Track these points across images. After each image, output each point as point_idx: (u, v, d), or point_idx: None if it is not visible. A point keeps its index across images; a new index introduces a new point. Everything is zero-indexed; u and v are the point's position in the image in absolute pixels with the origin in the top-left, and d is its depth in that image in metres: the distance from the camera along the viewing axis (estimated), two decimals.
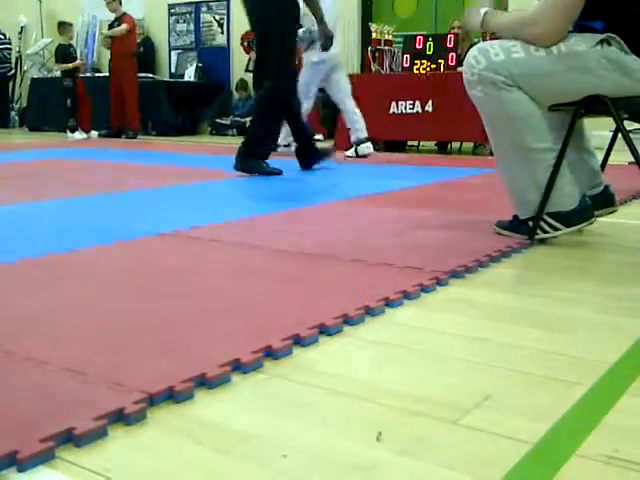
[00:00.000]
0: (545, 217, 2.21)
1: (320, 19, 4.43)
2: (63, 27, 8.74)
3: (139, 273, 1.86)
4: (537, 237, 2.23)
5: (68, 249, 2.11)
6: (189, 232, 2.40)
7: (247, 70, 8.95)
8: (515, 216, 2.32)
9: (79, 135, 8.56)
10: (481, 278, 1.83)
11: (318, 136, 8.15)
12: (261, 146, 4.29)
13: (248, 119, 9.09)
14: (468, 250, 2.09)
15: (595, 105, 2.13)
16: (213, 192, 3.60)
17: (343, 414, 1.05)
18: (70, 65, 8.56)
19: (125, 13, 8.61)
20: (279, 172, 4.29)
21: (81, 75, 9.00)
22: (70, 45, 8.82)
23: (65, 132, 8.67)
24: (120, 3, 8.60)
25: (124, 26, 8.44)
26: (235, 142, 7.84)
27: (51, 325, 1.41)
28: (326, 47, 4.58)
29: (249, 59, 8.93)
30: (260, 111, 4.36)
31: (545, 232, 2.23)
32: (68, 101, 8.55)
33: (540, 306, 1.59)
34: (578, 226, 2.21)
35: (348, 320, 1.45)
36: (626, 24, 2.12)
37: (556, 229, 2.22)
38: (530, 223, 2.25)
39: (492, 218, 2.47)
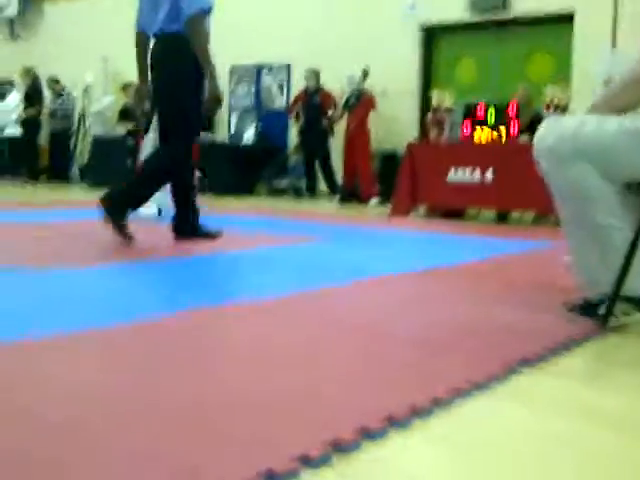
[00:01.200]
0: (619, 302, 2.12)
1: (209, 73, 3.89)
2: (127, 88, 9.09)
3: (194, 351, 1.85)
4: (610, 324, 2.14)
5: (130, 319, 2.12)
6: (252, 303, 2.39)
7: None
8: (585, 298, 2.23)
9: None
10: (555, 368, 1.75)
11: (374, 199, 8.19)
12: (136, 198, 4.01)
13: (303, 181, 9.24)
14: (537, 335, 2.02)
15: None
16: (277, 259, 3.60)
17: None
18: (130, 128, 8.84)
19: None
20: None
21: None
22: (132, 108, 9.13)
23: None
24: None
25: None
26: (291, 205, 7.99)
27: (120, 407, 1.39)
28: (211, 109, 4.10)
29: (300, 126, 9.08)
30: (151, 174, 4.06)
31: (618, 318, 2.14)
32: (129, 161, 8.83)
33: (624, 404, 1.50)
34: None
35: (417, 412, 1.39)
36: None
37: (629, 314, 2.13)
38: (601, 306, 2.16)
39: (559, 297, 2.39)
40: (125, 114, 8.87)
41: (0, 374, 1.58)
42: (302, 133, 8.99)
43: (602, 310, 2.15)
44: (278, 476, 1.10)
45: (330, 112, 8.75)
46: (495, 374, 1.62)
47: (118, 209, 3.81)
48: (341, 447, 1.21)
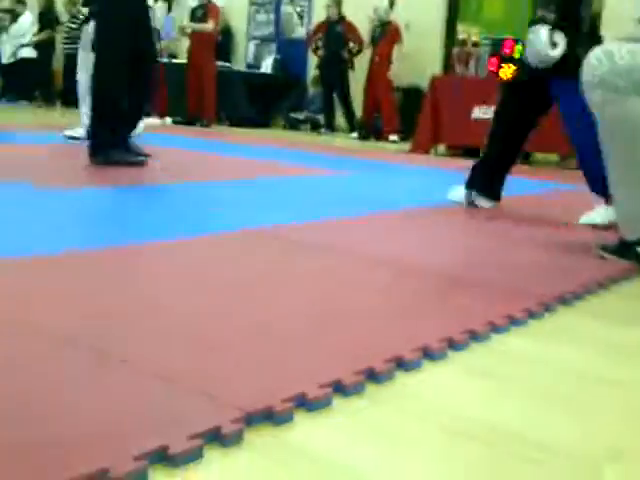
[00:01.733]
0: None
1: None
2: None
3: (226, 272, 1.79)
4: None
5: (144, 240, 2.05)
6: (273, 230, 2.32)
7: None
8: (622, 239, 2.15)
9: (153, 120, 8.64)
10: (591, 307, 1.69)
11: (393, 136, 8.02)
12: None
13: (321, 115, 9.05)
14: (573, 274, 1.94)
15: None
16: (295, 188, 3.51)
17: (460, 456, 0.93)
18: None
19: (210, 1, 8.60)
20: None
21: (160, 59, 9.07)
22: None
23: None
24: None
25: (210, 25, 8.41)
26: (309, 137, 7.83)
27: (142, 324, 1.34)
28: None
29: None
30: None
31: None
32: None
33: None
34: None
35: (453, 345, 1.33)
36: None
37: None
38: (636, 246, 2.08)
39: (591, 238, 2.31)
40: None
41: None
42: (322, 65, 8.73)
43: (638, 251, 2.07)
44: (310, 402, 1.04)
45: (351, 44, 8.48)
46: (532, 311, 1.55)
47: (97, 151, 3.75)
48: (374, 376, 1.16)
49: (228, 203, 2.89)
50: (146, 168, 3.82)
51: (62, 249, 1.84)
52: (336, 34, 8.43)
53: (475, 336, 1.38)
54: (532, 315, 1.54)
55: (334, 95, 8.71)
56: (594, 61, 2.03)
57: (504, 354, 1.33)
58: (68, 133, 5.16)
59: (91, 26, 4.49)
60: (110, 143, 3.78)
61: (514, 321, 1.49)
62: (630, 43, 2.02)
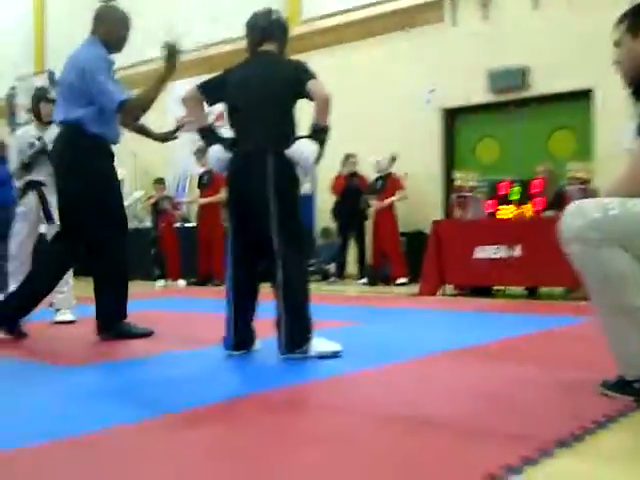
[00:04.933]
0: None
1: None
2: (155, 184, 9.45)
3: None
4: None
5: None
6: (285, 392, 2.35)
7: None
8: (620, 375, 2.17)
9: (164, 283, 8.91)
10: (591, 448, 1.69)
11: (402, 279, 8.16)
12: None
13: (332, 265, 9.26)
14: (572, 414, 1.96)
15: None
16: None
17: None
18: (151, 200, 9.13)
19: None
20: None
21: (174, 225, 9.46)
22: (161, 199, 9.35)
23: (154, 281, 9.03)
24: None
25: (220, 196, 8.68)
26: (320, 288, 7.97)
27: None
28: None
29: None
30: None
31: None
32: (152, 250, 9.02)
33: None
34: None
35: None
36: None
37: None
38: (637, 384, 2.10)
39: (593, 375, 2.33)
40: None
41: None
42: (341, 217, 9.04)
43: (637, 387, 2.09)
44: None
45: (365, 196, 8.90)
46: (530, 458, 1.57)
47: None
48: None
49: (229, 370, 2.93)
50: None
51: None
52: (354, 187, 8.86)
53: None
54: (528, 462, 1.55)
55: (348, 245, 9.01)
56: (568, 218, 2.15)
57: None
58: (59, 319, 4.68)
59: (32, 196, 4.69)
60: (120, 316, 3.88)
61: (510, 469, 1.50)
62: (602, 198, 2.16)
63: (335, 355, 3.03)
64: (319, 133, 3.05)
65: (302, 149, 3.00)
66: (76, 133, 3.80)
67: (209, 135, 3.22)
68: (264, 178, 3.00)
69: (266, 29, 3.23)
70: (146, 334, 3.89)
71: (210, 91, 3.19)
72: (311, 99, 3.03)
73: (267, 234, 3.02)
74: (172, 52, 3.74)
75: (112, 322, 3.85)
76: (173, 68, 3.77)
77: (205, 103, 3.23)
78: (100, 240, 3.87)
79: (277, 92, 3.09)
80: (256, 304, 3.18)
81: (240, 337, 3.13)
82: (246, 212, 3.14)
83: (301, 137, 3.07)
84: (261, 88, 3.09)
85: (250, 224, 3.14)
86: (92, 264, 3.94)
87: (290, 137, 3.07)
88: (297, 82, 3.04)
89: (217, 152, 3.15)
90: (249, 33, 3.27)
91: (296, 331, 3.00)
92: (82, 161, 3.85)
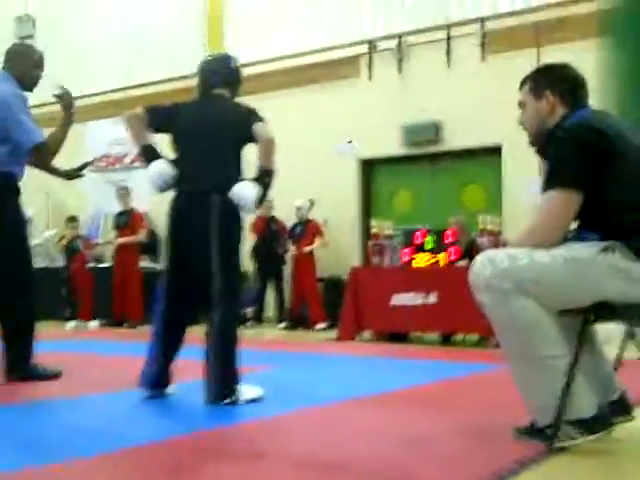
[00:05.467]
0: (563, 425, 2.16)
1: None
2: (68, 223, 9.23)
3: None
4: (557, 445, 2.18)
5: None
6: (193, 438, 2.34)
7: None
8: (533, 422, 2.28)
9: (75, 324, 8.64)
10: None
11: (321, 324, 8.23)
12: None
13: (250, 309, 9.21)
14: (488, 459, 2.04)
15: (603, 312, 2.18)
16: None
17: None
18: (63, 241, 8.90)
19: (133, 208, 8.97)
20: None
21: (87, 265, 9.22)
22: (74, 238, 9.11)
23: (65, 321, 8.73)
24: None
25: (140, 236, 8.74)
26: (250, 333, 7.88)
27: None
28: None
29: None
30: None
31: (563, 441, 2.18)
32: (63, 290, 8.75)
33: None
34: (597, 434, 2.17)
35: None
36: (622, 232, 2.21)
37: (574, 438, 2.17)
38: (548, 430, 2.20)
39: (507, 419, 2.43)
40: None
41: None
42: (257, 259, 9.01)
43: (549, 433, 2.19)
44: None
45: (283, 239, 8.94)
46: None
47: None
48: None
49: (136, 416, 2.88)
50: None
51: None
52: (272, 232, 8.88)
53: None
54: None
55: (266, 289, 8.99)
56: (479, 266, 2.25)
57: None
58: None
59: None
60: (28, 358, 3.73)
61: None
62: (506, 249, 2.29)
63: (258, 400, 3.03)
64: (264, 176, 3.11)
65: (243, 192, 3.04)
66: None
67: (150, 152, 3.17)
68: (207, 219, 3.01)
69: (222, 74, 3.27)
70: (54, 375, 3.78)
71: (158, 117, 3.19)
72: (256, 142, 3.09)
73: (206, 276, 3.02)
74: (67, 101, 3.85)
75: (18, 364, 3.70)
76: (72, 115, 3.86)
77: (148, 128, 3.19)
78: (8, 280, 3.74)
79: (226, 135, 3.13)
80: (181, 346, 3.16)
81: (160, 375, 3.10)
82: (187, 252, 3.14)
83: (244, 180, 3.11)
84: (212, 129, 3.12)
85: (190, 265, 3.13)
86: None
87: (235, 179, 3.10)
88: (246, 126, 3.08)
89: (160, 166, 3.10)
90: (203, 74, 3.29)
91: (227, 381, 2.99)
92: None
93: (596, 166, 2.19)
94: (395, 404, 3.08)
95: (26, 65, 3.88)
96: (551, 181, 2.26)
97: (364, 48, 9.23)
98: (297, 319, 8.55)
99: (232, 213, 3.08)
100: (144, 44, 11.12)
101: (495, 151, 8.35)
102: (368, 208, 9.43)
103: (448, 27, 8.65)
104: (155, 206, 10.91)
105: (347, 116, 9.19)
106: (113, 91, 11.27)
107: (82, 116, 11.76)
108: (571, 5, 7.90)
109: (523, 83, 2.50)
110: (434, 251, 6.65)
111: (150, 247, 10.22)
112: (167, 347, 3.13)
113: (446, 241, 6.62)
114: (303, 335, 7.66)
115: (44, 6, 12.46)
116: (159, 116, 3.19)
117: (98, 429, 2.52)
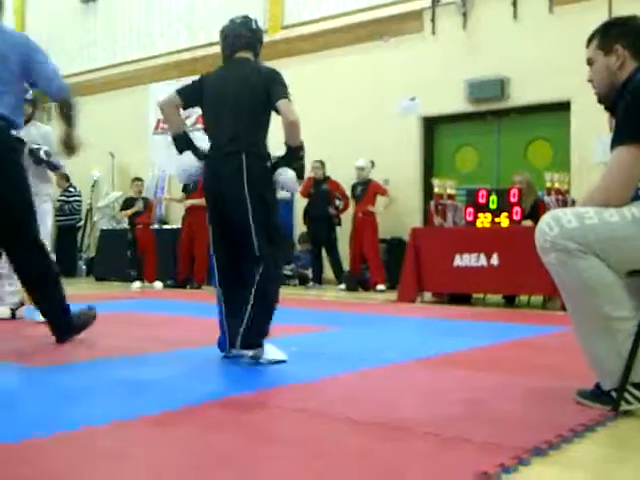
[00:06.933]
0: (629, 388, 2.09)
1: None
2: (133, 182, 9.35)
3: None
4: (622, 409, 2.10)
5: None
6: (258, 396, 2.36)
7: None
8: (597, 385, 2.21)
9: (139, 285, 8.81)
10: (566, 457, 1.72)
11: (381, 286, 8.20)
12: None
13: (310, 270, 9.28)
14: (549, 423, 1.98)
15: None
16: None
17: None
18: (129, 212, 9.00)
19: None
20: None
21: (151, 227, 9.39)
22: (136, 198, 9.24)
23: (130, 282, 8.94)
24: None
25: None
26: (298, 292, 7.98)
27: None
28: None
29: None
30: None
31: (629, 403, 2.10)
32: (128, 252, 8.95)
33: None
34: None
35: None
36: None
37: None
38: (613, 393, 2.13)
39: (570, 384, 2.37)
40: (126, 206, 9.15)
41: None
42: (309, 222, 9.04)
43: (614, 396, 2.12)
44: None
45: (337, 202, 8.87)
46: (506, 465, 1.58)
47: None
48: None
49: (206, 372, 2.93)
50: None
51: None
52: (322, 193, 8.83)
53: None
54: (505, 470, 1.57)
55: (322, 249, 8.99)
56: (544, 227, 2.17)
57: None
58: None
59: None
60: (64, 313, 3.70)
61: (487, 478, 1.51)
62: (573, 207, 2.19)
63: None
64: (294, 152, 3.16)
65: (284, 178, 3.11)
66: (8, 128, 3.49)
67: (182, 142, 3.27)
68: (239, 178, 3.06)
69: (245, 37, 3.27)
70: (92, 317, 3.78)
71: (187, 95, 3.26)
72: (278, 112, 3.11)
73: (246, 233, 3.07)
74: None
75: (62, 324, 3.66)
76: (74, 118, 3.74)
77: (181, 108, 3.28)
78: (31, 240, 3.62)
79: (252, 97, 3.15)
80: (241, 305, 3.17)
81: (232, 338, 3.14)
82: (224, 212, 3.19)
83: (278, 160, 3.17)
84: (237, 92, 3.15)
85: (229, 221, 3.18)
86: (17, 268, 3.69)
87: (263, 139, 3.18)
88: (268, 95, 3.10)
89: (186, 161, 3.22)
90: (227, 39, 3.30)
91: (253, 332, 3.03)
92: (13, 158, 3.56)
93: None
94: (457, 366, 3.03)
95: None
96: (620, 136, 2.15)
97: (428, 2, 8.98)
98: (356, 281, 8.53)
99: (262, 173, 3.12)
100: (207, 4, 11.11)
101: (563, 107, 8.05)
102: (430, 167, 9.26)
103: None
104: None
105: (410, 72, 9.00)
106: (178, 51, 11.34)
107: (146, 78, 12.06)
108: None
109: (590, 39, 2.38)
110: (498, 211, 6.49)
111: None
112: (232, 312, 3.14)
113: (510, 201, 6.45)
114: (362, 296, 7.65)
115: None
116: (187, 94, 3.26)
117: (163, 386, 2.56)
